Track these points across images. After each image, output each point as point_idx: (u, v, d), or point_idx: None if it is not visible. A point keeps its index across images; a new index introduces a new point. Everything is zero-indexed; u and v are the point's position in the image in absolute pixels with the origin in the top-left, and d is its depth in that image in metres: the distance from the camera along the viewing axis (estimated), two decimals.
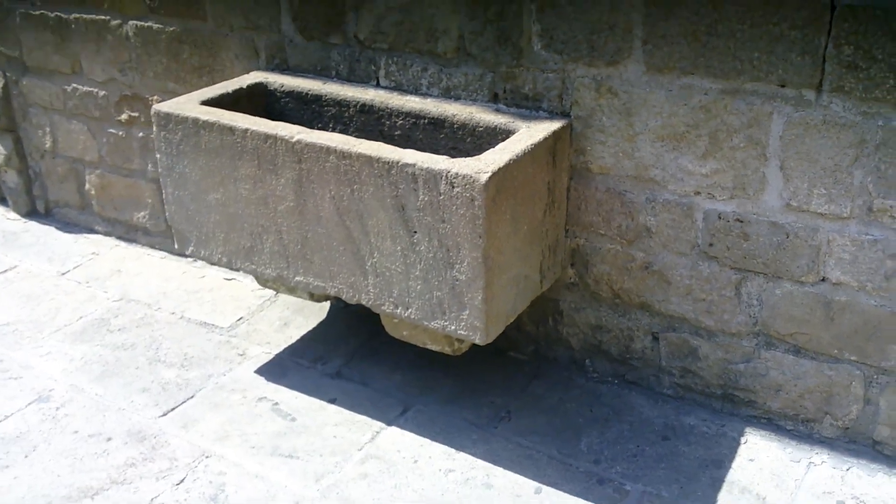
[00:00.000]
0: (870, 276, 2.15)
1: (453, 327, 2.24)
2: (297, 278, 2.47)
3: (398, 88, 2.64)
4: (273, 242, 2.46)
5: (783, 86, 2.08)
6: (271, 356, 2.86)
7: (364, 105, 2.62)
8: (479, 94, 2.51)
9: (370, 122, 2.63)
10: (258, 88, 2.76)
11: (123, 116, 3.34)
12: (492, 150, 2.19)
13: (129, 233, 3.62)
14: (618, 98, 2.29)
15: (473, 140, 2.46)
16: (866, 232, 2.12)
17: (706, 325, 2.42)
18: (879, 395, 2.27)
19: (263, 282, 2.73)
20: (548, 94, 2.39)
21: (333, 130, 2.67)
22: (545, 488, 2.28)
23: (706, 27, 2.12)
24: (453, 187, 2.07)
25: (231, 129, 2.39)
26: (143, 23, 3.10)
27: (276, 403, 2.63)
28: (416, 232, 2.18)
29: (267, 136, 2.33)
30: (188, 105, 2.54)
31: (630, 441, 2.44)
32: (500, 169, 2.07)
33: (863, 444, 2.35)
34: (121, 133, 3.39)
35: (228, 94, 2.67)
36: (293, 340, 2.94)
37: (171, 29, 3.04)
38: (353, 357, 2.84)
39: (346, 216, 2.28)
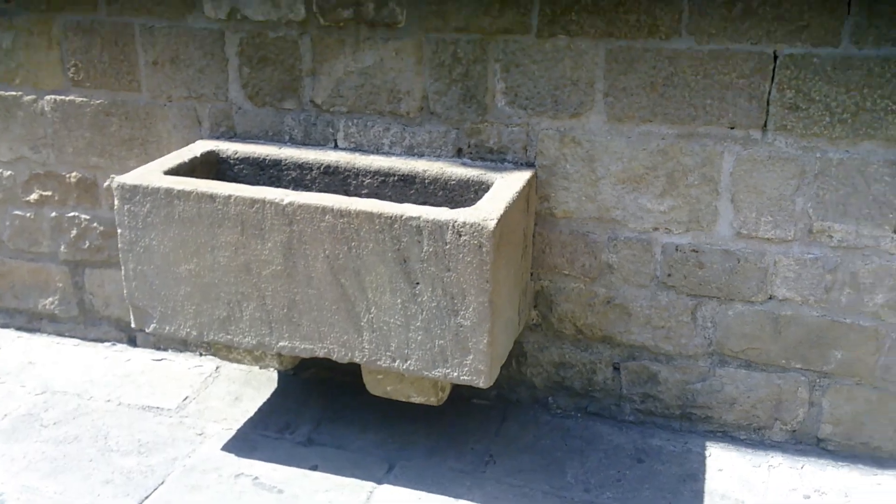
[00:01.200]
0: (812, 290, 2.46)
1: (456, 374, 2.31)
2: (282, 343, 2.46)
3: (359, 149, 2.72)
4: (255, 309, 2.44)
5: (733, 127, 2.37)
6: (233, 432, 2.78)
7: (328, 166, 2.67)
8: (443, 150, 2.64)
9: (334, 183, 2.68)
10: (210, 157, 2.75)
11: (33, 196, 3.17)
12: (483, 200, 2.32)
13: (31, 322, 3.39)
14: (581, 147, 2.51)
15: (445, 194, 2.58)
16: (808, 251, 2.43)
17: (665, 351, 2.65)
18: (822, 397, 2.57)
19: (226, 353, 2.68)
20: (513, 147, 2.57)
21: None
22: None
23: (663, 79, 2.38)
24: (460, 236, 2.18)
25: (211, 197, 2.37)
26: (62, 97, 2.99)
27: (256, 478, 2.56)
28: (418, 283, 2.26)
29: (253, 201, 2.33)
30: (152, 176, 2.49)
31: (610, 467, 2.59)
32: (501, 216, 2.21)
33: (807, 443, 2.63)
34: (28, 214, 3.20)
35: (185, 163, 2.64)
36: (251, 413, 2.88)
37: (98, 102, 2.95)
38: (319, 422, 2.82)
39: (342, 274, 2.32)
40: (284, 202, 2.31)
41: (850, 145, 2.31)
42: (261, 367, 2.94)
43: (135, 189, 2.44)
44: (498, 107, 2.55)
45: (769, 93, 2.32)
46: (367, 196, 2.66)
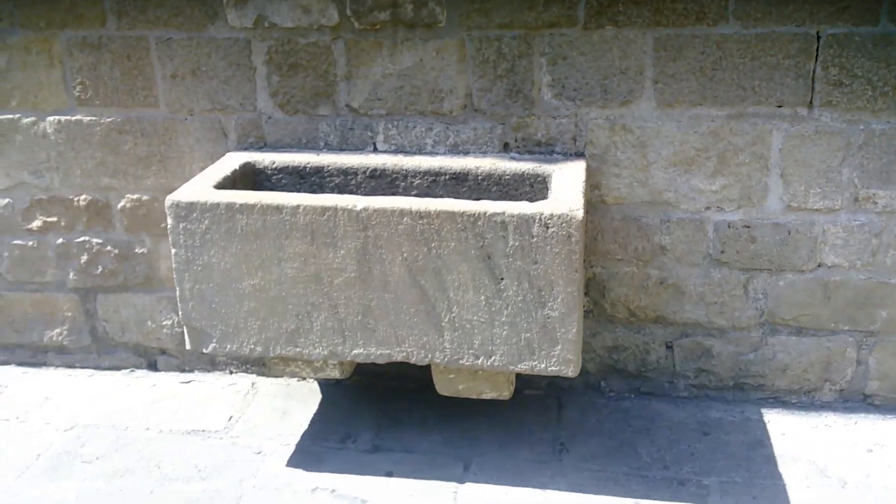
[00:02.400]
0: (859, 255, 2.59)
1: (543, 365, 2.33)
2: (356, 351, 2.41)
3: (400, 151, 2.69)
4: (326, 319, 2.38)
5: (780, 106, 2.47)
6: (292, 447, 2.71)
7: (374, 170, 2.63)
8: (489, 146, 2.64)
9: (381, 187, 2.65)
10: (246, 168, 2.66)
11: (35, 224, 2.99)
12: (554, 191, 2.34)
13: (35, 357, 3.21)
14: (632, 134, 2.55)
15: (499, 189, 2.58)
16: (854, 218, 2.56)
17: (719, 325, 2.73)
18: (869, 355, 2.70)
19: (283, 367, 2.61)
20: (561, 138, 2.59)
21: None
22: (642, 501, 2.42)
23: (712, 63, 2.45)
24: (548, 228, 2.19)
25: (277, 208, 2.30)
26: (67, 117, 2.84)
27: (334, 490, 2.51)
28: (503, 278, 2.26)
29: (324, 209, 2.28)
30: (206, 191, 2.40)
31: (679, 443, 2.66)
32: (582, 206, 2.23)
33: (855, 400, 2.77)
34: (30, 243, 3.03)
35: (228, 176, 2.55)
36: (305, 426, 2.81)
37: (109, 120, 2.82)
38: (378, 428, 2.78)
39: (421, 276, 2.30)
40: (358, 208, 2.27)
41: (891, 116, 2.44)
42: (318, 378, 2.88)
43: (191, 206, 2.34)
44: (545, 100, 2.57)
45: (814, 71, 2.42)
46: (418, 197, 2.63)
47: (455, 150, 2.66)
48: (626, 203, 2.63)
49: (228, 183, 2.54)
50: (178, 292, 2.43)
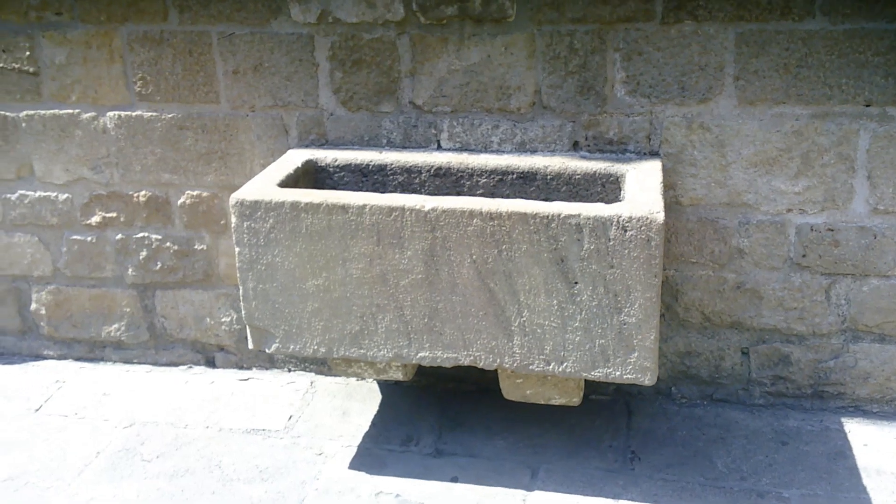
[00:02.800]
0: None
1: (618, 373, 2.24)
2: (422, 354, 2.35)
3: (465, 149, 2.61)
4: (391, 321, 2.32)
5: (868, 105, 2.34)
6: (354, 449, 2.66)
7: (439, 168, 2.56)
8: (558, 144, 2.55)
9: (446, 185, 2.57)
10: (308, 166, 2.60)
11: (94, 219, 2.97)
12: (631, 192, 2.24)
13: (92, 352, 3.19)
14: (710, 132, 2.44)
15: (569, 189, 2.49)
16: None
17: (798, 331, 2.61)
18: None
19: (345, 367, 2.55)
20: (634, 136, 2.49)
21: None
22: None
23: (797, 60, 2.33)
24: (626, 231, 2.10)
25: (343, 208, 2.24)
26: (128, 112, 2.81)
27: (398, 495, 2.45)
28: (577, 283, 2.18)
29: (391, 209, 2.21)
30: (270, 190, 2.35)
31: (756, 453, 2.55)
32: (662, 208, 2.13)
33: None
34: (89, 238, 3.01)
35: (291, 174, 2.50)
36: (365, 427, 2.75)
37: (170, 115, 2.78)
38: (441, 432, 2.72)
39: (490, 279, 2.22)
40: (426, 208, 2.20)
41: None
42: (380, 379, 2.82)
43: (255, 205, 2.29)
44: (618, 97, 2.47)
45: None
46: (483, 196, 2.55)
47: (522, 148, 2.58)
48: (703, 204, 2.52)
49: (291, 181, 2.48)
50: (241, 291, 2.39)
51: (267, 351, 2.44)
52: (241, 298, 2.40)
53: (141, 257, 2.98)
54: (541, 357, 2.27)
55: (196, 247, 2.93)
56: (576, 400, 2.46)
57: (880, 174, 2.40)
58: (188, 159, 2.82)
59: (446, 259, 2.23)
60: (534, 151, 2.57)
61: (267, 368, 3.08)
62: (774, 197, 2.48)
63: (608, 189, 2.46)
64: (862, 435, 2.60)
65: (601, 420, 2.73)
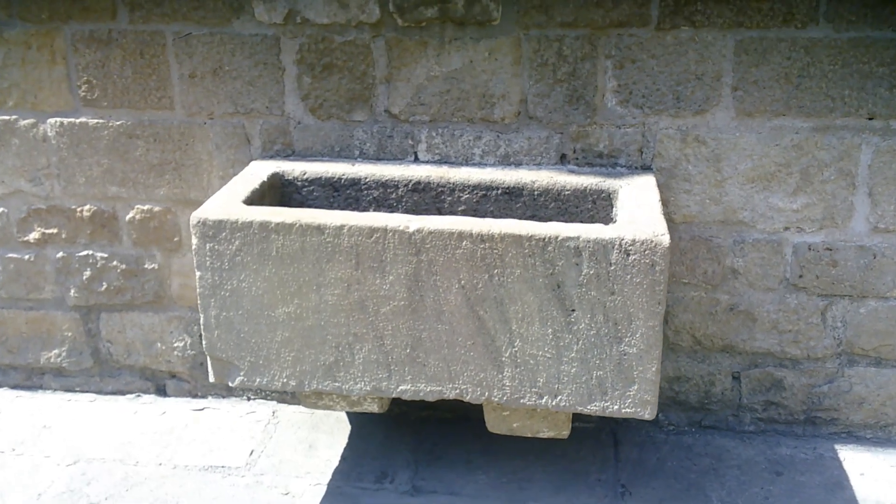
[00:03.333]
0: None
1: (616, 406, 2.08)
2: (403, 387, 2.15)
3: (445, 161, 2.43)
4: (370, 351, 2.12)
5: (871, 118, 2.23)
6: (324, 487, 2.45)
7: (418, 182, 2.37)
8: (544, 157, 2.39)
9: (425, 202, 2.38)
10: (274, 180, 2.39)
11: (33, 236, 2.71)
12: (630, 211, 2.09)
13: (30, 379, 2.92)
14: (705, 146, 2.31)
15: (558, 206, 2.33)
16: None
17: (792, 355, 2.49)
18: None
19: (315, 400, 2.35)
20: (626, 149, 2.34)
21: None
22: None
23: (798, 70, 2.21)
24: (628, 255, 1.94)
25: (319, 228, 2.03)
26: (71, 119, 2.55)
27: None
28: (574, 310, 2.01)
29: (372, 230, 2.02)
30: (235, 208, 2.13)
31: (751, 485, 2.42)
32: (666, 229, 1.98)
33: None
34: (27, 257, 2.74)
35: (257, 189, 2.28)
36: (335, 463, 2.55)
37: (118, 123, 2.53)
38: (417, 467, 2.52)
39: (480, 306, 2.04)
40: (411, 229, 2.01)
41: None
42: (354, 412, 2.61)
43: (220, 225, 2.07)
44: (608, 107, 2.32)
45: None
46: (465, 213, 2.37)
47: (506, 161, 2.40)
48: (696, 222, 2.38)
49: (257, 197, 2.27)
50: (202, 319, 2.16)
51: (231, 385, 2.22)
52: (201, 327, 2.17)
53: (84, 277, 2.73)
54: (533, 390, 2.10)
55: (146, 266, 2.69)
56: (565, 432, 2.29)
57: (882, 191, 2.29)
58: (138, 171, 2.58)
59: (432, 284, 2.04)
60: (518, 165, 2.40)
61: (224, 397, 2.85)
62: (771, 214, 2.35)
63: (599, 206, 2.30)
64: (857, 463, 2.49)
65: (587, 450, 2.58)
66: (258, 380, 2.20)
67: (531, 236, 1.97)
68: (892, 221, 2.32)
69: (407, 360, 2.12)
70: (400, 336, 2.10)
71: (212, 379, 2.23)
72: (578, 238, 1.96)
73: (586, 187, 2.30)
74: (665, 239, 1.93)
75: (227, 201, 2.16)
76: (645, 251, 1.93)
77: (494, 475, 2.48)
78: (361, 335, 2.11)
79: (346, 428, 2.70)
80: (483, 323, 2.06)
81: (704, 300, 2.46)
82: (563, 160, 2.39)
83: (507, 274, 2.01)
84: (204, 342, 2.18)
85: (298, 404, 2.80)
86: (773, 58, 2.21)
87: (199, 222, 2.08)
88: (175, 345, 2.78)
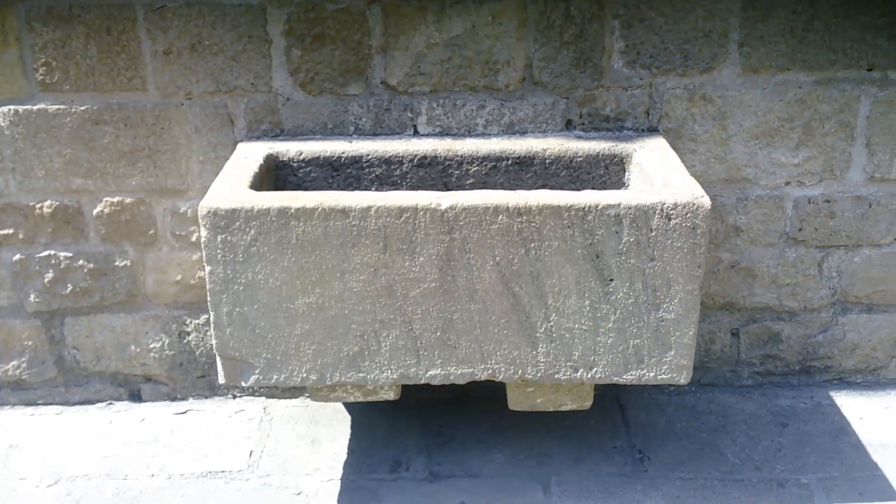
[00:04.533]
0: None
1: (652, 374, 2.06)
2: (432, 372, 2.06)
3: (447, 134, 2.33)
4: (397, 337, 2.02)
5: (871, 69, 2.27)
6: (337, 483, 2.34)
7: (424, 157, 2.26)
8: (549, 123, 2.32)
9: (431, 177, 2.28)
10: (268, 162, 2.23)
11: None
12: (661, 175, 2.05)
13: None
14: (712, 104, 2.29)
15: (569, 173, 2.27)
16: None
17: (789, 308, 2.54)
18: None
19: (327, 393, 2.23)
20: (633, 112, 2.30)
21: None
22: None
23: (803, 24, 2.22)
24: (670, 220, 1.91)
25: (344, 211, 1.90)
26: (27, 106, 2.31)
27: None
28: (612, 279, 1.96)
29: (401, 210, 1.90)
30: (244, 194, 1.97)
31: (762, 438, 2.46)
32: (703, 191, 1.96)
33: None
34: None
35: (257, 172, 2.12)
36: (344, 456, 2.44)
37: (83, 108, 2.30)
38: (429, 452, 2.44)
39: (515, 282, 1.97)
40: (444, 206, 1.91)
41: None
42: (369, 401, 2.49)
43: (233, 214, 1.91)
44: (615, 69, 2.27)
45: None
46: (475, 187, 2.29)
47: (510, 130, 2.32)
48: (701, 182, 2.37)
49: (257, 182, 2.10)
50: (212, 317, 2.00)
51: (244, 384, 2.07)
52: (211, 325, 2.01)
53: (46, 280, 2.49)
54: (568, 364, 2.05)
55: (117, 263, 2.47)
56: (587, 403, 2.26)
57: (878, 141, 2.34)
58: (106, 160, 2.36)
59: (465, 263, 1.95)
60: (523, 133, 2.32)
61: (206, 397, 2.67)
62: (774, 170, 2.37)
63: (612, 171, 2.26)
64: (855, 408, 2.57)
65: (595, 419, 2.56)
66: (275, 377, 2.06)
67: (570, 206, 1.90)
68: (887, 170, 2.37)
69: (437, 344, 2.03)
70: (430, 319, 2.00)
71: (221, 381, 2.07)
72: (619, 205, 1.90)
73: (598, 153, 2.25)
74: (706, 201, 1.91)
75: (233, 188, 2.00)
76: (686, 214, 1.90)
77: (510, 452, 2.43)
78: (388, 321, 2.00)
79: (346, 418, 2.59)
80: (518, 299, 1.98)
81: (707, 259, 2.46)
82: (568, 126, 2.32)
83: (544, 247, 1.94)
84: (214, 341, 2.02)
85: (290, 398, 2.67)
86: (779, 12, 2.20)
87: (209, 212, 1.91)
88: (151, 346, 2.58)
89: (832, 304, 2.53)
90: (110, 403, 2.68)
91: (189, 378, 2.63)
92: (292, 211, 1.91)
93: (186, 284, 2.49)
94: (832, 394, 2.63)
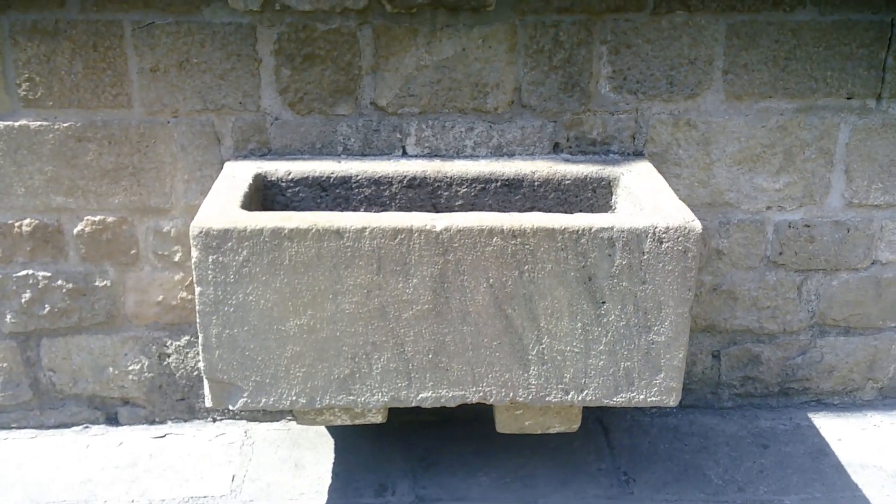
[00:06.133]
0: None
1: (642, 396, 2.07)
2: (423, 395, 2.05)
3: (435, 155, 2.33)
4: (389, 360, 2.01)
5: (850, 98, 2.33)
6: None
7: (413, 178, 2.26)
8: (537, 146, 2.34)
9: (420, 198, 2.28)
10: (256, 181, 2.22)
11: None
12: (650, 198, 2.07)
13: None
14: (696, 130, 2.33)
15: (557, 196, 2.29)
16: None
17: (769, 330, 2.58)
18: None
19: (314, 416, 2.21)
20: (619, 136, 2.33)
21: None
22: None
23: (786, 53, 2.27)
24: (662, 243, 1.93)
25: (338, 233, 1.90)
26: (8, 122, 2.27)
27: None
28: (604, 302, 1.98)
29: (396, 231, 1.90)
30: (236, 214, 1.95)
31: (744, 460, 2.49)
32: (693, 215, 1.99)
33: (893, 396, 2.71)
34: None
35: (247, 192, 2.10)
36: (328, 480, 2.41)
37: (66, 125, 2.27)
38: (415, 476, 2.43)
39: (508, 304, 1.97)
40: (438, 228, 1.91)
41: None
42: (356, 424, 2.47)
43: (225, 234, 1.89)
44: (602, 93, 2.29)
45: (885, 61, 2.29)
46: (464, 208, 2.29)
47: (498, 152, 2.34)
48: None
49: (247, 201, 2.09)
50: (200, 339, 1.97)
51: (232, 408, 2.04)
52: (200, 348, 1.98)
53: (23, 300, 2.43)
54: (559, 386, 2.05)
55: (97, 283, 2.43)
56: (575, 426, 2.27)
57: (857, 167, 2.40)
58: (89, 178, 2.32)
59: (458, 285, 1.95)
60: (511, 155, 2.34)
61: (185, 420, 2.63)
62: (756, 195, 2.41)
63: (599, 194, 2.28)
64: (832, 429, 2.61)
65: (579, 441, 2.56)
66: (264, 400, 2.04)
67: (564, 229, 1.92)
68: (864, 196, 2.43)
69: (429, 366, 2.02)
70: (422, 341, 2.00)
71: (209, 404, 2.04)
72: (612, 228, 1.92)
73: (586, 176, 2.27)
74: (697, 225, 1.93)
75: (224, 208, 1.98)
76: (678, 238, 1.93)
77: (496, 476, 2.42)
78: (380, 343, 1.99)
79: (329, 441, 2.56)
80: (510, 322, 1.99)
81: None
82: (556, 149, 2.34)
83: (537, 269, 1.94)
84: (202, 364, 1.99)
85: (272, 421, 2.63)
86: (763, 41, 2.25)
87: (201, 232, 1.89)
88: (130, 368, 2.54)
89: (811, 327, 2.58)
90: (87, 427, 2.62)
91: (168, 401, 2.58)
92: (286, 231, 1.89)
93: (168, 305, 2.45)
94: (811, 415, 2.67)
